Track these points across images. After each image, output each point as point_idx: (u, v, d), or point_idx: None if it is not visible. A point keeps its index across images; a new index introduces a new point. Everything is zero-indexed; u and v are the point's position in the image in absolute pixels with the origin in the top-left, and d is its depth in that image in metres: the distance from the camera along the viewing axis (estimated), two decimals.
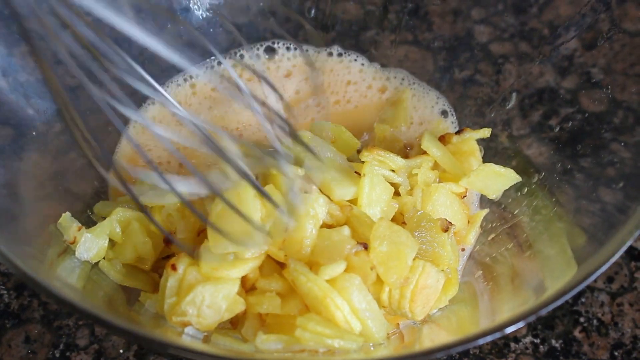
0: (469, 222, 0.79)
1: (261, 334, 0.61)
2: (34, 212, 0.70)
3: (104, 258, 0.70)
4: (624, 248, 0.56)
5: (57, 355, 0.74)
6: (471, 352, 0.75)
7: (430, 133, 0.80)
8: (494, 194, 0.78)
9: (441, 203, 0.75)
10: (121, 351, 0.75)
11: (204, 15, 0.92)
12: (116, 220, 0.70)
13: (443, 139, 0.81)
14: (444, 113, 0.89)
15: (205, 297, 0.61)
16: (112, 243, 0.71)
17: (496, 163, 0.80)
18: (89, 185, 0.78)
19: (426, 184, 0.76)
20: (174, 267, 0.63)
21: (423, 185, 0.75)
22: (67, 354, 0.74)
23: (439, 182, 0.77)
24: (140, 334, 0.55)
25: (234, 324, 0.66)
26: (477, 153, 0.80)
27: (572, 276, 0.56)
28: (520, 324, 0.53)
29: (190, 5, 0.90)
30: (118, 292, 0.69)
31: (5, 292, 0.78)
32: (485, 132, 0.80)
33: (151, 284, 0.71)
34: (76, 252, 0.68)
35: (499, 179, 0.77)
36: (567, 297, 0.54)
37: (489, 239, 0.78)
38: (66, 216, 0.69)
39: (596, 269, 0.55)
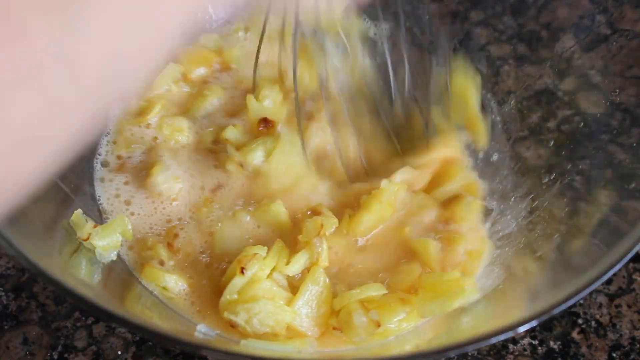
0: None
1: None
2: (47, 210, 0.70)
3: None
4: (632, 253, 0.56)
5: (55, 357, 0.74)
6: (469, 354, 0.75)
7: None
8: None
9: None
10: (119, 352, 0.74)
11: None
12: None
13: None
14: None
15: (261, 312, 0.64)
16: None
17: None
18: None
19: None
20: (242, 271, 0.66)
21: None
22: (65, 355, 0.74)
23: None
24: (156, 332, 0.56)
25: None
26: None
27: (577, 281, 0.56)
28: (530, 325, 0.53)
29: None
30: (133, 290, 0.69)
31: (3, 293, 0.78)
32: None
33: None
34: (89, 249, 0.68)
35: None
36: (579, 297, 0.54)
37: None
38: (78, 213, 0.69)
39: (605, 272, 0.55)
